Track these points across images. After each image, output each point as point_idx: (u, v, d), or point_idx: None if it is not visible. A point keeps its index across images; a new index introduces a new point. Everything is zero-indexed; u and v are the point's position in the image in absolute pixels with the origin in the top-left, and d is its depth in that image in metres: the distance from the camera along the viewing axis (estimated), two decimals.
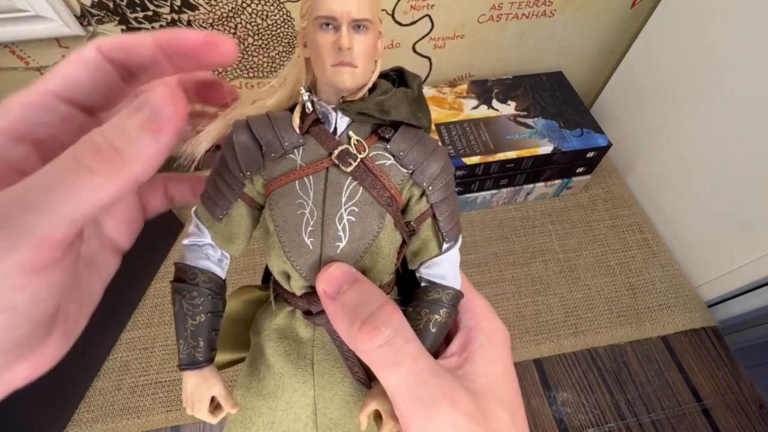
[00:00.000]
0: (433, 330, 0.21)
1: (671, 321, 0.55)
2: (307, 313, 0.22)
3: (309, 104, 0.20)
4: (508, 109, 0.61)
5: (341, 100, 0.20)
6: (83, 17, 0.50)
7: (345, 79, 0.19)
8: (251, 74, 0.61)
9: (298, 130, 0.20)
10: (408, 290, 0.23)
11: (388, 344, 0.17)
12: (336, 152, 0.19)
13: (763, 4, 0.45)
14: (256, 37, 0.56)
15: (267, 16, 0.54)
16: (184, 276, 0.21)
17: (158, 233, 0.60)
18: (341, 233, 0.19)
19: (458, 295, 0.22)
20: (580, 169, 0.62)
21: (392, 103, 0.20)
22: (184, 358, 0.21)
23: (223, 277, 0.23)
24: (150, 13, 0.51)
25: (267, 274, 0.27)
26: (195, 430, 0.48)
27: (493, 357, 0.21)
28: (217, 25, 0.54)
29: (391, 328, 0.18)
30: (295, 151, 0.20)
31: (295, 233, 0.19)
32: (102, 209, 0.13)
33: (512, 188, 0.63)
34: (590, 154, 0.59)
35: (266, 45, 0.58)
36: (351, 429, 0.23)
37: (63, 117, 0.16)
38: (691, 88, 0.55)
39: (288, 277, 0.21)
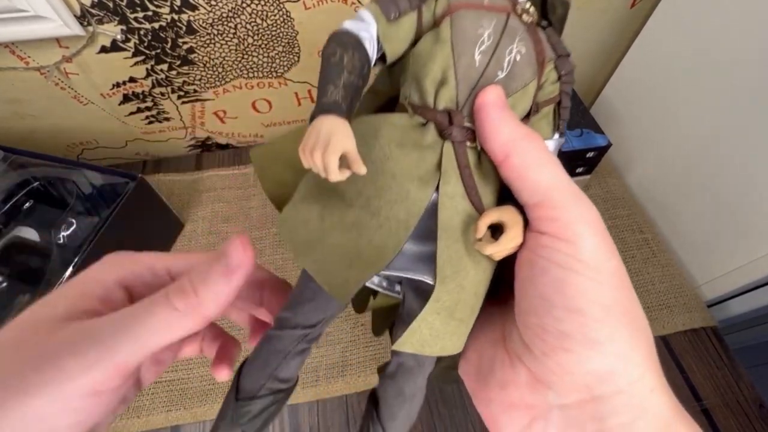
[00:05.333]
0: None
1: (671, 321, 0.55)
2: (442, 128, 0.20)
3: None
4: None
5: None
6: (83, 17, 0.50)
7: None
8: (251, 74, 0.61)
9: None
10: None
11: (547, 150, 0.19)
12: (519, 4, 0.20)
13: (762, 4, 0.45)
14: (256, 37, 0.56)
15: (267, 16, 0.54)
16: (348, 39, 0.20)
17: (158, 233, 0.60)
18: (505, 64, 0.20)
19: None
20: (579, 169, 0.62)
21: (558, 3, 0.21)
22: (330, 102, 0.19)
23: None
24: (150, 13, 0.51)
25: None
26: (195, 430, 0.48)
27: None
28: (217, 25, 0.54)
29: (544, 142, 0.19)
30: None
31: (469, 44, 0.20)
32: (172, 342, 0.16)
33: None
34: (590, 154, 0.59)
35: (266, 45, 0.58)
36: (464, 235, 0.20)
37: (159, 280, 0.20)
38: (691, 88, 0.55)
39: (442, 84, 0.20)
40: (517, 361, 0.19)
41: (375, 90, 0.24)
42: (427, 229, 0.20)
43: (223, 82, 0.62)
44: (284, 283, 0.25)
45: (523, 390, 0.19)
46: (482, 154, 0.20)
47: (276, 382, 0.22)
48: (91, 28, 0.51)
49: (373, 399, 0.24)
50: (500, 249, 0.19)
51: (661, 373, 0.18)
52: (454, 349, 0.21)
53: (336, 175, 0.17)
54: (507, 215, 0.19)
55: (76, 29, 0.49)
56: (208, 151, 0.74)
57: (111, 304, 0.18)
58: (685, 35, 0.55)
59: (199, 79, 0.61)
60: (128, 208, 0.50)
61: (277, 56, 0.59)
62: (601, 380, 0.17)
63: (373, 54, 0.21)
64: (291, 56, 0.60)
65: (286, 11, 0.54)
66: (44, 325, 0.16)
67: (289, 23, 0.55)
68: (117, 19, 0.51)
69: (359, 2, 0.55)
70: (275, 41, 0.57)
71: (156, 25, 0.52)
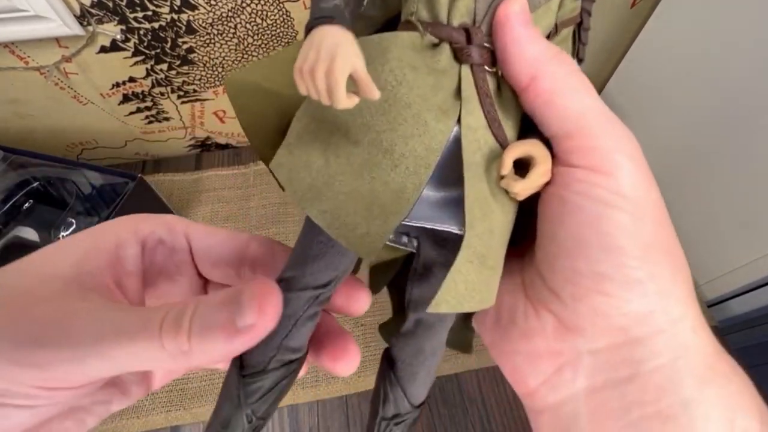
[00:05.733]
0: None
1: None
2: (459, 47, 0.17)
3: None
4: None
5: None
6: (83, 17, 0.49)
7: None
8: None
9: None
10: None
11: (580, 73, 0.17)
12: None
13: (762, 4, 0.45)
14: (255, 37, 0.56)
15: (267, 16, 0.54)
16: None
17: None
18: None
19: None
20: None
21: None
22: (329, 8, 0.15)
23: None
24: (150, 12, 0.51)
25: None
26: (195, 430, 0.48)
27: None
28: (217, 25, 0.54)
29: (575, 65, 0.17)
30: None
31: None
32: (145, 371, 0.15)
33: None
34: None
35: (266, 45, 0.58)
36: (488, 172, 0.18)
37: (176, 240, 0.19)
38: (692, 87, 0.55)
39: None
40: (542, 309, 0.18)
41: (365, 16, 0.20)
42: (447, 168, 0.17)
43: (223, 81, 0.62)
44: (272, 245, 0.21)
45: (550, 338, 0.18)
46: (501, 80, 0.17)
47: (287, 352, 0.18)
48: (90, 28, 0.51)
49: (388, 360, 0.21)
50: (529, 186, 0.17)
51: (701, 314, 0.16)
52: (491, 300, 0.18)
53: (344, 101, 0.14)
54: (535, 149, 0.17)
55: (75, 29, 0.49)
56: (208, 151, 0.74)
57: (122, 261, 0.17)
58: (685, 35, 0.55)
59: (199, 79, 0.61)
60: (128, 208, 0.50)
61: None
62: (640, 321, 0.16)
63: None
64: None
65: (286, 11, 0.54)
66: (42, 289, 0.15)
67: (289, 23, 0.55)
68: (117, 18, 0.51)
69: None
70: (275, 41, 0.57)
71: (156, 25, 0.52)
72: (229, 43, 0.56)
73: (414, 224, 0.18)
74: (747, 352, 0.58)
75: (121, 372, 0.14)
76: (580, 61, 0.20)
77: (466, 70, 0.17)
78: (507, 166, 0.16)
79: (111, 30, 0.52)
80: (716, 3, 0.50)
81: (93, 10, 0.49)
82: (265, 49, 0.58)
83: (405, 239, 0.20)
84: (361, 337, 0.54)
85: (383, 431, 0.21)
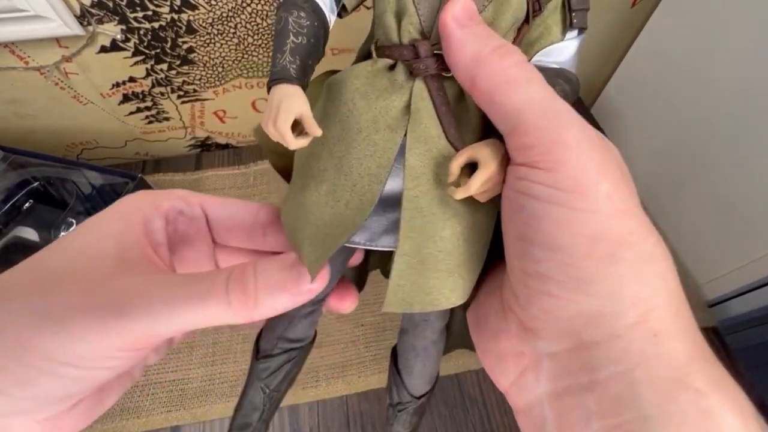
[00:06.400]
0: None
1: None
2: (409, 62, 0.18)
3: None
4: None
5: None
6: (83, 17, 0.49)
7: None
8: (251, 74, 0.61)
9: None
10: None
11: (522, 64, 0.16)
12: None
13: (762, 3, 0.45)
14: (256, 37, 0.56)
15: (267, 15, 0.54)
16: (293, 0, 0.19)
17: None
18: None
19: (578, 81, 0.19)
20: None
21: None
22: (277, 71, 0.18)
23: (330, 26, 0.20)
24: (150, 12, 0.51)
25: None
26: (195, 430, 0.48)
27: None
28: (217, 25, 0.54)
29: (520, 55, 0.16)
30: None
31: None
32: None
33: None
34: None
35: (266, 45, 0.58)
36: (438, 180, 0.19)
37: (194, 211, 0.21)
38: (692, 87, 0.55)
39: (402, 14, 0.18)
40: (508, 310, 0.18)
41: (364, 52, 0.22)
42: (397, 191, 0.18)
43: (222, 81, 0.62)
44: (278, 211, 0.23)
45: (514, 339, 0.18)
46: None
47: (286, 342, 0.23)
48: (90, 28, 0.51)
49: (393, 354, 0.25)
50: (473, 191, 0.17)
51: (683, 316, 0.15)
52: (449, 300, 0.19)
53: (293, 143, 0.17)
54: (481, 151, 0.17)
55: (75, 29, 0.49)
56: (208, 151, 0.74)
57: (152, 234, 0.18)
58: (685, 35, 0.55)
59: (199, 79, 0.61)
60: None
61: None
62: (589, 325, 0.15)
63: (330, 5, 0.19)
64: None
65: None
66: (98, 267, 0.16)
67: None
68: (117, 18, 0.51)
69: None
70: None
71: (156, 25, 0.52)
72: (229, 43, 0.56)
73: (366, 247, 0.19)
74: (747, 352, 0.58)
75: (190, 329, 0.16)
76: (581, 30, 0.19)
77: (419, 83, 0.18)
78: (453, 173, 0.17)
79: (111, 30, 0.52)
80: (716, 3, 0.50)
81: (93, 10, 0.49)
82: (265, 49, 0.58)
83: (385, 240, 0.21)
84: (362, 338, 0.54)
85: (392, 417, 0.25)
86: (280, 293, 0.16)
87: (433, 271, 0.18)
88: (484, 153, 0.17)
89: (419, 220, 0.18)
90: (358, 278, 0.27)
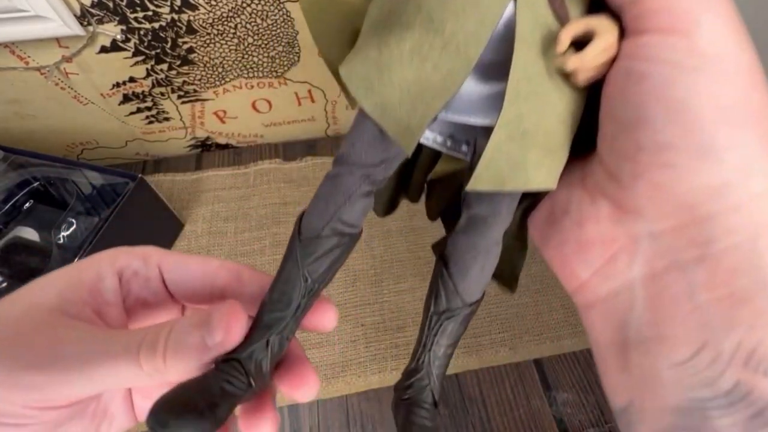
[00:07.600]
0: None
1: None
2: None
3: None
4: None
5: None
6: (83, 17, 0.49)
7: None
8: (251, 74, 0.61)
9: None
10: None
11: None
12: None
13: (762, 3, 0.45)
14: (256, 37, 0.56)
15: (267, 16, 0.54)
16: None
17: (158, 233, 0.60)
18: None
19: None
20: None
21: None
22: None
23: None
24: (150, 13, 0.51)
25: None
26: None
27: None
28: (217, 25, 0.54)
29: None
30: None
31: None
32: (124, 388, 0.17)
33: None
34: None
35: (266, 45, 0.58)
36: (545, 52, 0.16)
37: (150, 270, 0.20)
38: None
39: None
40: (598, 196, 0.17)
41: None
42: (499, 54, 0.16)
43: (223, 81, 0.62)
44: (239, 272, 0.21)
45: (604, 223, 0.16)
46: None
47: (340, 223, 0.19)
48: (91, 28, 0.51)
49: (443, 259, 0.21)
50: (587, 61, 0.15)
51: None
52: (544, 182, 0.17)
53: None
54: (596, 22, 0.15)
55: (76, 29, 0.49)
56: (208, 151, 0.74)
57: (102, 293, 0.18)
58: None
59: (199, 79, 0.61)
60: (128, 208, 0.50)
61: (277, 56, 0.59)
62: (711, 196, 0.13)
63: None
64: (291, 56, 0.60)
65: (286, 11, 0.54)
66: (32, 317, 0.16)
67: (289, 23, 0.55)
68: (117, 18, 0.51)
69: None
70: (275, 41, 0.57)
71: (156, 25, 0.52)
72: (229, 43, 0.56)
73: (454, 118, 0.17)
74: None
75: (104, 389, 0.16)
76: None
77: None
78: (563, 43, 0.15)
79: (111, 30, 0.52)
80: None
81: (93, 10, 0.49)
82: (265, 49, 0.58)
83: (465, 147, 0.20)
84: (362, 338, 0.54)
85: (434, 325, 0.21)
86: (187, 355, 0.16)
87: (533, 146, 0.16)
88: (602, 22, 0.15)
89: (526, 88, 0.16)
90: (389, 202, 0.25)
